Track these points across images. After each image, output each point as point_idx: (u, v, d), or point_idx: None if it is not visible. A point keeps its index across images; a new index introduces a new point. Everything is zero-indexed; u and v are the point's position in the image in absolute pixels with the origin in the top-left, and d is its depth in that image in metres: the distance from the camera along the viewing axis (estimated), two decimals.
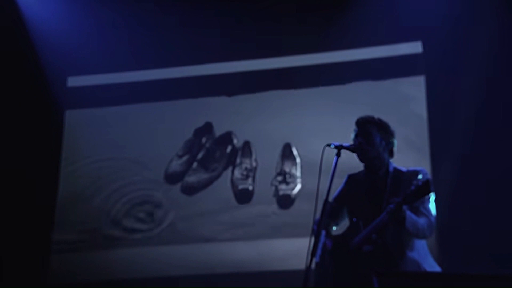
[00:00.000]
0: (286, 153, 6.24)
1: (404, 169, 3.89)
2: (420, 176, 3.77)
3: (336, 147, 3.75)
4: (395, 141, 3.95)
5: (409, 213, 3.64)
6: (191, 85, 6.57)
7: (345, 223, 3.99)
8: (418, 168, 3.88)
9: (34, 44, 6.65)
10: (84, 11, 6.66)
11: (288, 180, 6.15)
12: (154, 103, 6.60)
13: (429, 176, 3.84)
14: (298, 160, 6.17)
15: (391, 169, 3.88)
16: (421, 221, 3.70)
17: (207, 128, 6.47)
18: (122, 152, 6.50)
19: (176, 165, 6.41)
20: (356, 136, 3.90)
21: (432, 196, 3.78)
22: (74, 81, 6.78)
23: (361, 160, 3.91)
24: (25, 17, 6.67)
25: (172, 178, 6.38)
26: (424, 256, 3.77)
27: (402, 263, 3.69)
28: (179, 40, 6.56)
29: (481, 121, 5.65)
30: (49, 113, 6.63)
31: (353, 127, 3.99)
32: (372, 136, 3.88)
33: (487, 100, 5.66)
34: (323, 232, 3.86)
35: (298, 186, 6.12)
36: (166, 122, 6.51)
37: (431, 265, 3.76)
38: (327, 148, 3.74)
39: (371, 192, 3.87)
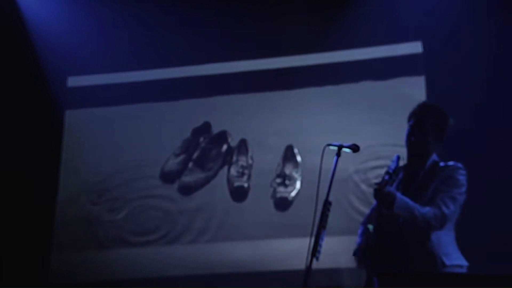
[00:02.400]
0: (288, 155, 6.23)
1: (442, 163, 3.88)
2: (449, 169, 3.80)
3: (336, 147, 3.75)
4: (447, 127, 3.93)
5: (400, 197, 3.63)
6: (191, 85, 6.57)
7: None
8: (452, 162, 3.86)
9: (34, 44, 6.65)
10: (84, 11, 6.66)
11: (287, 182, 6.14)
12: (155, 103, 6.60)
13: (461, 171, 3.86)
14: (299, 162, 6.16)
15: (430, 161, 3.87)
16: (425, 209, 3.67)
17: (206, 128, 6.47)
18: (122, 152, 6.50)
19: (173, 164, 6.41)
20: (413, 126, 3.86)
21: (456, 190, 3.76)
22: (74, 81, 6.78)
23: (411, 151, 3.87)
24: (25, 17, 6.67)
25: (167, 177, 6.38)
26: (443, 247, 3.73)
27: (417, 256, 3.68)
28: (179, 40, 6.55)
29: (481, 121, 5.65)
30: (49, 113, 6.63)
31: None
32: (425, 123, 3.85)
33: (487, 100, 5.66)
34: (324, 232, 3.85)
35: (297, 189, 6.11)
36: (166, 122, 6.51)
37: (454, 256, 3.74)
38: (327, 148, 3.75)
39: (406, 184, 3.86)
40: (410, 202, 3.66)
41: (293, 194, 6.10)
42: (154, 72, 6.67)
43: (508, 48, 5.77)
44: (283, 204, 6.09)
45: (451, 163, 3.90)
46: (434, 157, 3.90)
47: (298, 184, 6.12)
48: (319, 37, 6.24)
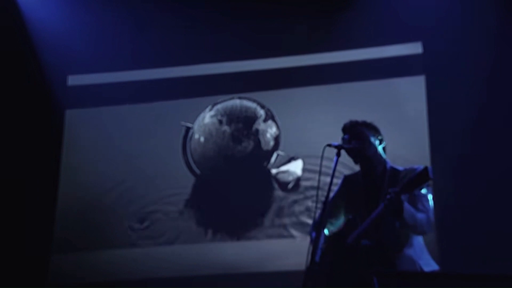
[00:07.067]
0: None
1: (401, 168, 3.89)
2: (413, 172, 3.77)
3: (336, 147, 3.75)
4: (384, 140, 3.95)
5: (407, 205, 3.63)
6: (191, 84, 6.57)
7: (341, 224, 3.97)
8: (414, 166, 3.86)
9: (34, 43, 6.64)
10: (84, 11, 6.66)
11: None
12: (155, 103, 6.60)
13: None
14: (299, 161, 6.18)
15: (388, 167, 3.88)
16: (420, 215, 3.70)
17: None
18: (123, 151, 6.50)
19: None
20: (349, 140, 3.89)
21: (430, 195, 3.78)
22: (74, 80, 6.78)
23: (358, 160, 3.90)
24: (25, 17, 6.68)
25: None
26: (420, 253, 3.76)
27: (398, 260, 3.69)
28: (179, 40, 6.55)
29: (481, 121, 5.66)
30: (49, 112, 6.63)
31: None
32: (365, 135, 3.88)
33: (487, 100, 5.67)
34: (323, 232, 3.86)
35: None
36: (166, 122, 6.51)
37: (427, 262, 3.76)
38: (327, 148, 3.75)
39: (369, 191, 3.87)
40: (413, 209, 3.66)
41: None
42: (154, 71, 6.67)
43: (508, 48, 5.77)
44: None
45: (412, 166, 3.88)
46: (388, 162, 3.91)
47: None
48: (320, 37, 6.24)
